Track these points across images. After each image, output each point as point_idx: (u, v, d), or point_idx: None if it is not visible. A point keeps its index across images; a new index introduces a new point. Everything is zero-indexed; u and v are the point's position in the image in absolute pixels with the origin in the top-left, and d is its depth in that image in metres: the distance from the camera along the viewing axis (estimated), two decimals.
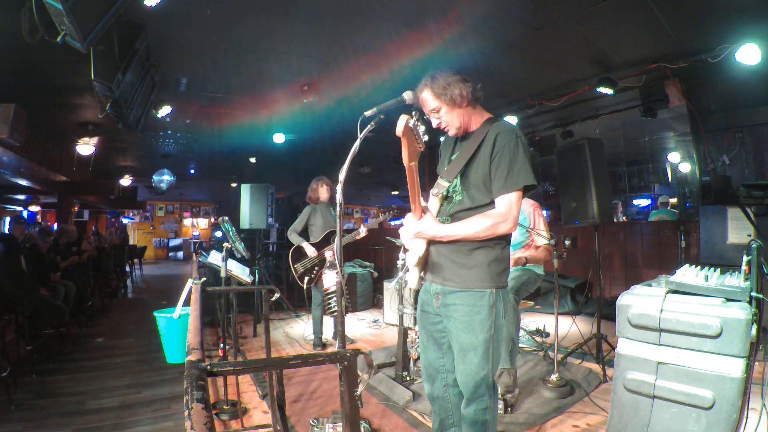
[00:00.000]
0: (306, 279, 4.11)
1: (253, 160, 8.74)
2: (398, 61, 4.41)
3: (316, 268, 4.12)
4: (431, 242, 1.72)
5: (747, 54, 3.64)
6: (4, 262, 3.88)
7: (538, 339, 4.13)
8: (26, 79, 4.53)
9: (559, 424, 2.51)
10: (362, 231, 4.00)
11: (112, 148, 8.19)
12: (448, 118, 1.68)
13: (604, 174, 3.62)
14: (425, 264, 1.76)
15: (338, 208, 1.47)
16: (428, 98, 1.65)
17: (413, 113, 1.42)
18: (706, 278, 1.78)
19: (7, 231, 5.96)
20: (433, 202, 1.78)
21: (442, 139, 1.91)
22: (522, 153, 1.59)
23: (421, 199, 1.64)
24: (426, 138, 1.47)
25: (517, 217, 1.60)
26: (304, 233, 4.25)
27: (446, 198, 1.75)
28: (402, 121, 1.36)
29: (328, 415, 2.48)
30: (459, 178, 1.71)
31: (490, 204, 1.63)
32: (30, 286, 4.08)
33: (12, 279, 3.86)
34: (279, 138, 6.68)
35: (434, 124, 1.71)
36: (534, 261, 3.17)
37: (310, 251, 4.08)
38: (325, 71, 4.77)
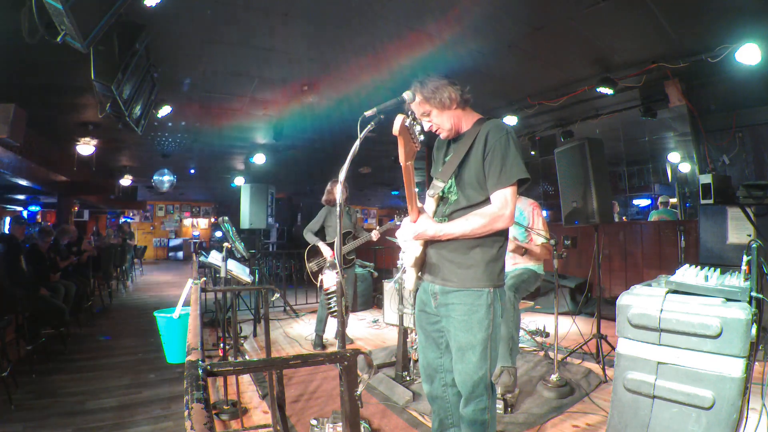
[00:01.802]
0: (320, 277, 4.20)
1: (253, 160, 8.74)
2: (398, 61, 4.40)
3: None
4: (429, 243, 1.73)
5: (747, 54, 3.64)
6: (4, 262, 3.89)
7: (538, 339, 4.13)
8: (26, 79, 4.52)
9: (559, 424, 2.51)
10: (374, 235, 4.10)
11: (112, 148, 8.18)
12: (439, 121, 1.70)
13: (604, 174, 3.62)
14: (422, 265, 1.77)
15: (338, 208, 1.48)
16: (418, 102, 1.68)
17: (409, 113, 1.43)
18: (706, 278, 1.78)
19: (7, 231, 5.96)
20: (430, 203, 1.80)
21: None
22: (513, 148, 1.61)
23: (418, 200, 1.65)
24: (422, 138, 1.49)
25: (513, 212, 1.62)
26: (321, 233, 4.35)
27: (442, 199, 1.77)
28: (398, 120, 1.38)
29: (328, 415, 2.48)
30: (454, 179, 1.72)
31: (486, 201, 1.65)
32: (30, 286, 4.08)
33: (12, 279, 3.86)
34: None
35: (425, 128, 1.74)
36: (533, 257, 3.17)
37: (326, 251, 4.18)
38: (325, 71, 4.77)
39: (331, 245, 4.22)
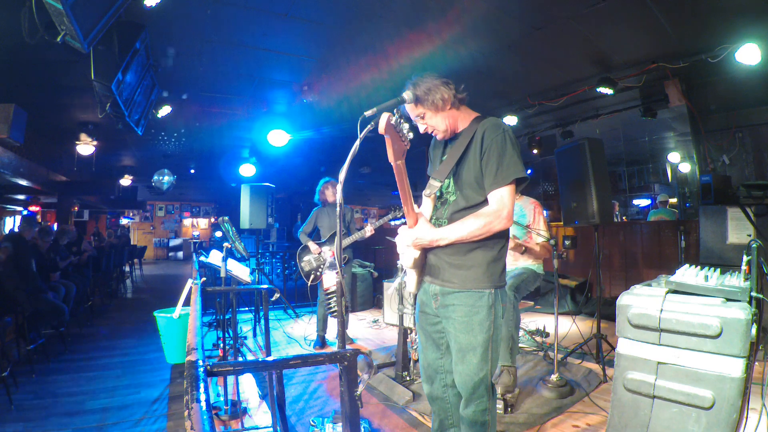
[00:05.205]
0: (311, 277, 4.24)
1: (253, 160, 8.75)
2: (398, 61, 4.40)
3: (321, 266, 4.21)
4: (428, 248, 1.71)
5: (747, 54, 3.64)
6: (12, 262, 3.88)
7: (538, 339, 4.13)
8: (26, 79, 4.52)
9: (559, 424, 2.51)
10: (368, 231, 4.10)
11: (112, 148, 8.19)
12: (433, 123, 1.69)
13: (604, 174, 3.62)
14: (423, 266, 1.76)
15: (338, 208, 1.47)
16: (412, 105, 1.66)
17: (395, 111, 1.42)
18: (706, 278, 1.78)
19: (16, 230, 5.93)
20: (426, 203, 1.78)
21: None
22: (510, 147, 1.59)
23: (414, 203, 1.63)
24: (411, 136, 1.47)
25: (511, 212, 1.59)
26: (314, 234, 4.39)
27: (440, 200, 1.75)
28: (384, 118, 1.36)
29: (328, 415, 2.49)
30: (452, 179, 1.71)
31: (485, 202, 1.63)
32: (34, 287, 4.08)
33: (22, 280, 3.86)
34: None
35: (421, 130, 1.72)
36: (532, 256, 3.17)
37: (314, 249, 4.22)
38: (325, 71, 4.77)
39: (323, 245, 4.26)
